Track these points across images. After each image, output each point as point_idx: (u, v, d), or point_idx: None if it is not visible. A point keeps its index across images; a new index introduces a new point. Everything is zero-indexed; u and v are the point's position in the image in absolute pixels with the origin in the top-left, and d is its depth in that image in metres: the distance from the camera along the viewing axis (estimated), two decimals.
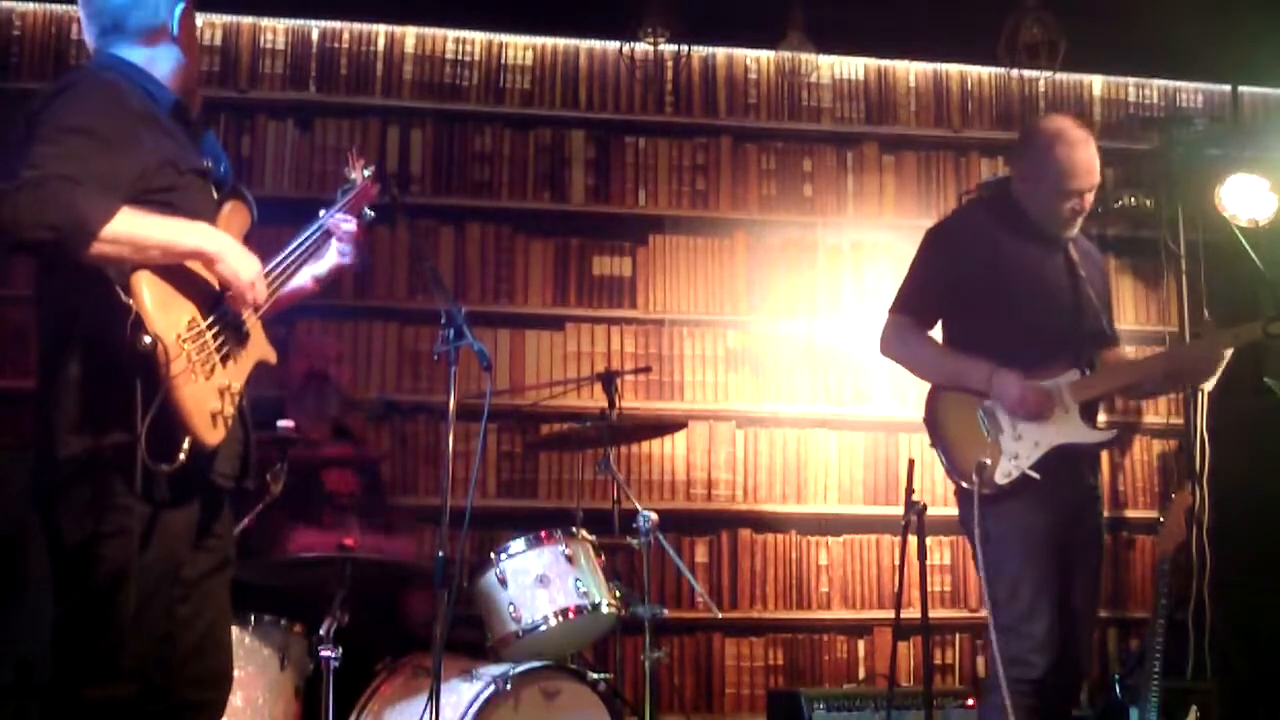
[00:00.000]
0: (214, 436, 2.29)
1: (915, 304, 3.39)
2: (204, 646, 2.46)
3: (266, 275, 2.51)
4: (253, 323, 2.47)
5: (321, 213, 2.77)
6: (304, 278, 2.76)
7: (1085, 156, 3.29)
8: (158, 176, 2.35)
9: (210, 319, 2.34)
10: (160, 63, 2.50)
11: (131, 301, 2.17)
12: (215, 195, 2.54)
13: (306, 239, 2.68)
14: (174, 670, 2.41)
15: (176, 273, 2.30)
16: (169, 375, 2.17)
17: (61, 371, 2.27)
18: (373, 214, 2.88)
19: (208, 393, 2.27)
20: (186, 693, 2.44)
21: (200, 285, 2.35)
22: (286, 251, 2.62)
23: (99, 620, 2.25)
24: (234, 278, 2.35)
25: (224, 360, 2.35)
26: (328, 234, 2.75)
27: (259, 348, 2.52)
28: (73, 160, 2.21)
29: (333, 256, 2.79)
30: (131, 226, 2.21)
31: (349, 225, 2.76)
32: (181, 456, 2.20)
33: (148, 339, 2.15)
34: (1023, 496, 3.17)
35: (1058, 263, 3.35)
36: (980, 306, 3.30)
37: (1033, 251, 3.34)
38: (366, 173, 2.89)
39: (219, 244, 2.34)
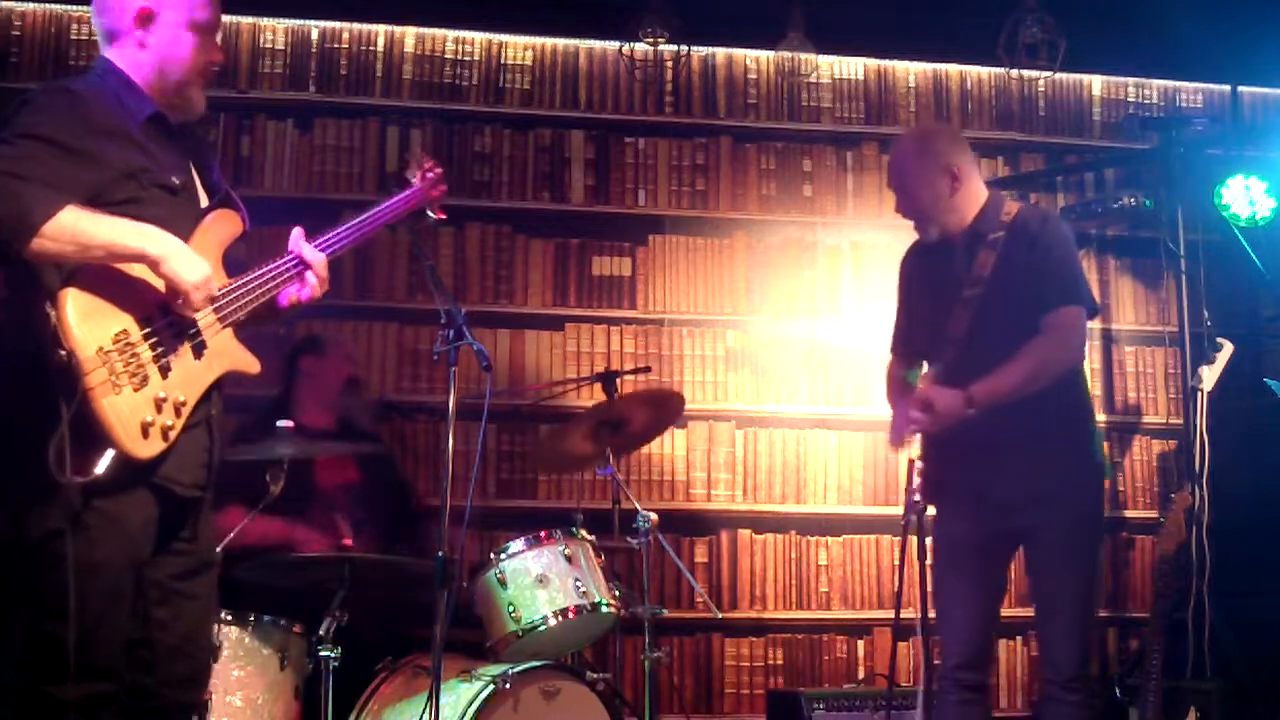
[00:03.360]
0: (144, 448, 2.27)
1: (893, 342, 3.60)
2: (185, 649, 2.47)
3: (253, 279, 2.51)
4: (215, 331, 2.45)
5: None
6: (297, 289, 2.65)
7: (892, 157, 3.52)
8: (118, 189, 2.36)
9: (148, 330, 2.32)
10: (138, 67, 2.49)
11: (53, 313, 2.19)
12: (204, 204, 2.54)
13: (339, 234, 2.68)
14: (157, 671, 2.42)
15: (116, 283, 2.29)
16: (85, 388, 2.18)
17: (12, 379, 2.29)
18: (440, 216, 2.96)
19: (138, 404, 2.26)
20: (170, 693, 2.46)
21: (145, 296, 2.34)
22: (273, 265, 2.60)
23: (63, 619, 2.25)
24: (177, 279, 2.32)
25: (164, 371, 2.33)
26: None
27: (228, 357, 2.49)
28: (24, 161, 2.24)
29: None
30: (76, 224, 2.22)
31: (319, 260, 2.63)
32: (98, 470, 2.20)
33: (62, 352, 2.17)
34: (942, 509, 3.36)
35: (952, 265, 3.37)
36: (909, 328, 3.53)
37: (931, 261, 3.45)
38: (429, 175, 2.92)
39: (163, 247, 2.31)
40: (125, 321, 2.29)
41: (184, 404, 2.35)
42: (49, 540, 2.25)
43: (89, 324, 2.23)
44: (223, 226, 2.55)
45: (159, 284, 2.35)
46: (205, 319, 2.43)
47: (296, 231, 2.65)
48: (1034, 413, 3.21)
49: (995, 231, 3.30)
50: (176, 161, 2.51)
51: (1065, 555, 3.23)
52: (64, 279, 2.24)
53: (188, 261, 2.34)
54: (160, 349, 2.33)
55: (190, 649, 2.48)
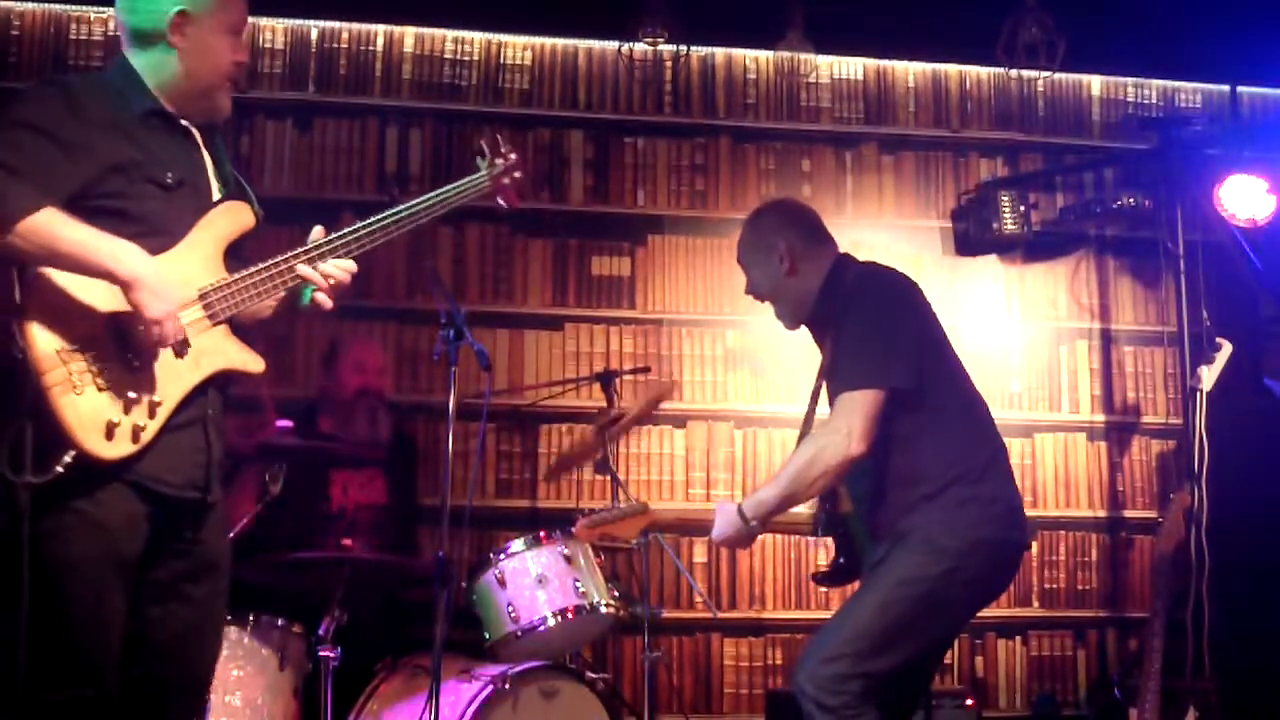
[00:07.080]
0: (109, 449, 2.22)
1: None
2: (175, 650, 2.41)
3: (249, 276, 2.43)
4: (203, 329, 2.37)
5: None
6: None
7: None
8: (105, 182, 2.31)
9: (116, 330, 2.26)
10: (158, 69, 2.45)
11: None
12: (212, 199, 2.49)
13: (346, 236, 2.58)
14: (147, 670, 2.38)
15: (88, 282, 2.24)
16: (43, 387, 2.14)
17: None
18: (513, 205, 2.87)
19: (101, 404, 2.21)
20: (158, 697, 2.40)
21: (118, 295, 2.26)
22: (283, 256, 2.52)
23: (47, 622, 2.21)
24: (141, 310, 2.23)
25: (135, 371, 2.27)
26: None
27: (221, 356, 2.41)
28: (12, 150, 2.21)
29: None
30: (51, 228, 2.17)
31: (337, 272, 2.58)
32: (59, 468, 2.16)
33: (18, 352, 2.14)
34: None
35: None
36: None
37: None
38: (497, 165, 2.83)
39: (133, 271, 2.22)
40: (92, 322, 2.25)
41: (160, 404, 2.30)
42: (31, 542, 2.19)
43: (50, 323, 2.19)
44: (228, 220, 2.48)
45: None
46: (192, 315, 2.35)
47: (317, 230, 2.59)
48: (872, 486, 3.02)
49: (832, 310, 3.06)
50: (177, 157, 2.45)
51: (870, 586, 2.94)
52: (35, 276, 2.20)
53: (154, 293, 2.24)
54: (128, 350, 2.28)
55: (180, 651, 2.42)
